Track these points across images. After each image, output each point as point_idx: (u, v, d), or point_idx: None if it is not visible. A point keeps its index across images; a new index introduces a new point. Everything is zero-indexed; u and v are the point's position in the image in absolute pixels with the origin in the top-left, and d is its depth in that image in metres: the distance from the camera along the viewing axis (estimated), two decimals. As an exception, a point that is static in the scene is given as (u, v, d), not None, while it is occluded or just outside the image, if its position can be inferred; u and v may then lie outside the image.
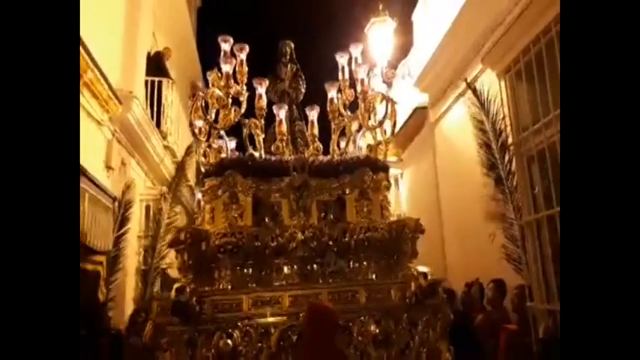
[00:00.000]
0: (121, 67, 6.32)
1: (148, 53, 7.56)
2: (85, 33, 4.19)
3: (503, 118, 4.72)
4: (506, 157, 4.59)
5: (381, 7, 3.77)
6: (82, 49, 4.46)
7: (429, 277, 2.73)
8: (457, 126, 6.04)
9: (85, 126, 5.07)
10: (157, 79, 7.49)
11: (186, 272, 2.86)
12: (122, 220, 5.84)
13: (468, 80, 5.44)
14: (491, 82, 4.99)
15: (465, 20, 5.53)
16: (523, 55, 4.37)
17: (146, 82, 7.18)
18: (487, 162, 4.79)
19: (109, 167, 5.75)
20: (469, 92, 5.15)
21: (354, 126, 3.67)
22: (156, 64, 7.74)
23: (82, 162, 4.19)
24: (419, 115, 7.42)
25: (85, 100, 5.01)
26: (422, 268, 2.84)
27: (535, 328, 3.44)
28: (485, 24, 5.14)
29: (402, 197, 8.40)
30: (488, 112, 4.86)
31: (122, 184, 6.08)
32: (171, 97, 7.98)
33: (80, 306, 1.83)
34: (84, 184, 4.55)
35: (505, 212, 4.52)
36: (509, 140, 4.58)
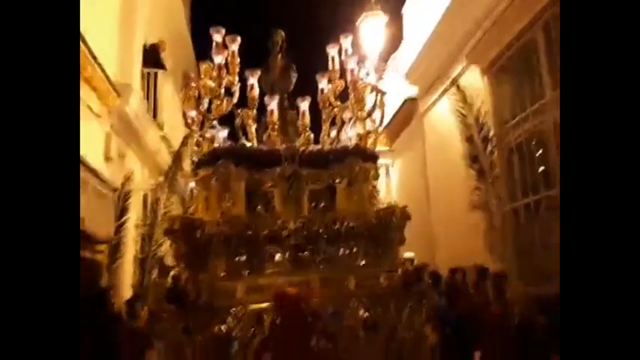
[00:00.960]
0: (118, 59, 6.38)
1: (144, 45, 7.59)
2: (83, 28, 4.28)
3: (486, 112, 4.96)
4: (488, 149, 4.87)
5: (373, 0, 3.82)
6: (82, 45, 4.57)
7: (415, 263, 2.83)
8: (445, 117, 6.21)
9: (85, 119, 5.18)
10: (153, 70, 7.56)
11: (181, 260, 2.94)
12: (122, 210, 6.01)
13: (456, 74, 5.68)
14: (475, 78, 5.22)
15: (453, 15, 5.69)
16: (504, 52, 4.64)
17: (142, 73, 7.24)
18: (470, 154, 5.07)
19: (107, 158, 5.88)
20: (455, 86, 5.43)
21: (347, 115, 3.73)
22: (152, 56, 7.79)
23: (82, 154, 4.36)
24: (409, 106, 7.58)
25: (85, 93, 5.12)
26: (408, 254, 2.94)
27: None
28: (472, 19, 5.29)
29: (392, 186, 8.52)
30: (471, 107, 5.12)
31: (120, 175, 6.21)
32: (167, 88, 8.02)
33: (82, 292, 1.88)
34: (86, 175, 4.67)
35: (487, 201, 4.80)
36: (491, 133, 4.86)
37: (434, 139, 6.78)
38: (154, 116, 7.52)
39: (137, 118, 6.54)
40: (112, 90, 5.59)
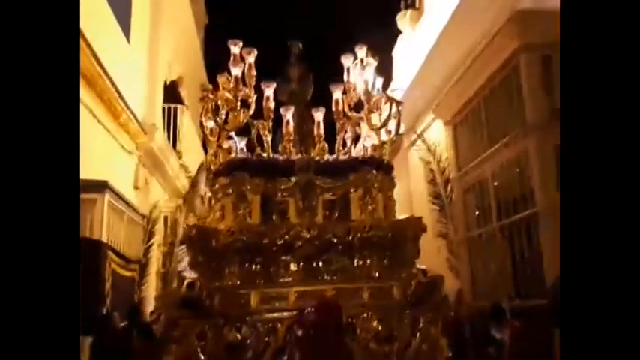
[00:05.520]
0: (144, 100, 7.40)
1: (165, 82, 8.54)
2: (119, 81, 5.58)
3: (447, 158, 6.25)
4: (448, 190, 6.13)
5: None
6: (118, 97, 5.67)
7: (429, 275, 2.79)
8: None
9: (119, 156, 6.29)
10: (172, 105, 8.53)
11: (196, 268, 2.98)
12: (150, 234, 6.98)
13: (424, 126, 7.13)
14: (440, 129, 6.56)
15: (427, 71, 6.70)
16: (461, 110, 5.88)
17: (163, 108, 8.22)
18: (433, 194, 6.31)
19: (136, 187, 6.86)
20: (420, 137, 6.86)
21: (364, 128, 3.74)
22: (172, 92, 8.71)
23: (117, 186, 5.36)
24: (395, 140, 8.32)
25: (120, 136, 6.22)
26: (420, 266, 2.91)
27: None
28: (439, 77, 6.35)
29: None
30: (434, 155, 6.46)
31: (146, 201, 7.22)
32: (185, 120, 8.97)
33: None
34: (122, 207, 5.60)
35: (447, 232, 6.05)
36: (451, 176, 6.14)
37: (416, 171, 7.68)
38: (174, 146, 8.49)
39: (160, 151, 7.56)
40: (140, 129, 6.67)
